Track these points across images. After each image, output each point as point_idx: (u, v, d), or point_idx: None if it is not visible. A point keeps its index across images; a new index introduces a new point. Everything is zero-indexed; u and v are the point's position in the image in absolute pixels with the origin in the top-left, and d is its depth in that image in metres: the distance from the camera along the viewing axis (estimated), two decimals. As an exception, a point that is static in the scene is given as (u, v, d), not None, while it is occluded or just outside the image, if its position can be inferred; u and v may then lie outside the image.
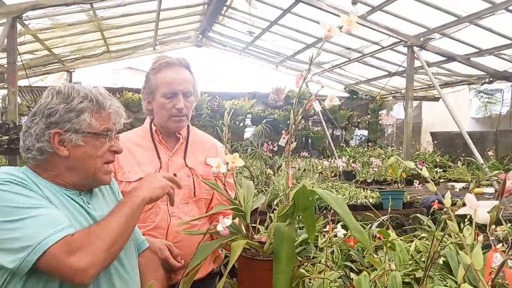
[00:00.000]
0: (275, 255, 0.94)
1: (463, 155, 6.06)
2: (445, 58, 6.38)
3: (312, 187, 1.04)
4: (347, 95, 10.22)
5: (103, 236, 0.96)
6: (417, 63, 6.05)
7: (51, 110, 1.06)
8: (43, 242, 0.91)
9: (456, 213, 0.81)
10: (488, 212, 0.77)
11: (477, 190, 4.36)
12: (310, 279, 1.42)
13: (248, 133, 9.34)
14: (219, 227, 1.00)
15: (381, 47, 6.77)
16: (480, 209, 0.71)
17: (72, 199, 1.10)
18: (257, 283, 1.02)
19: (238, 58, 9.64)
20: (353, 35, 6.45)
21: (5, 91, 8.03)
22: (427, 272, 0.94)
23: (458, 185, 5.06)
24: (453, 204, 0.99)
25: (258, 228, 1.62)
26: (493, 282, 0.72)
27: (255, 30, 7.22)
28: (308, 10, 5.95)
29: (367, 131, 10.49)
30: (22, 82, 6.64)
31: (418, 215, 2.77)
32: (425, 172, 0.81)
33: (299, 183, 1.08)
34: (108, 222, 1.00)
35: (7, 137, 3.70)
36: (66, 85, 1.11)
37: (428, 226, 2.23)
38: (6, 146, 3.69)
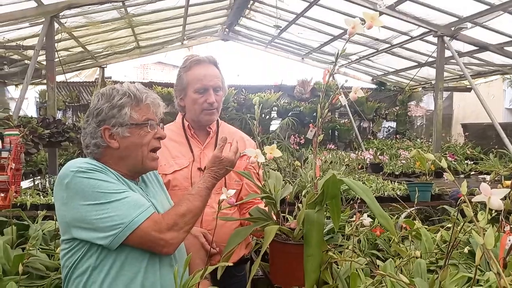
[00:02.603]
0: (305, 239, 1.02)
1: (496, 147, 5.89)
2: (477, 48, 6.19)
3: (344, 178, 1.11)
4: (374, 86, 10.08)
5: (188, 218, 1.19)
6: (447, 53, 5.92)
7: (98, 110, 1.23)
8: (134, 221, 1.10)
9: (472, 200, 0.85)
10: (503, 200, 0.81)
11: (508, 182, 4.26)
12: (337, 264, 1.50)
13: (274, 125, 9.39)
14: (223, 196, 1.10)
15: (410, 37, 6.64)
16: (494, 197, 0.76)
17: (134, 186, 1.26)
18: (289, 265, 1.10)
19: (264, 51, 9.68)
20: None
21: (42, 87, 8.44)
22: (448, 256, 0.98)
23: (490, 178, 4.94)
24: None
25: (287, 217, 1.70)
26: (504, 261, 0.77)
27: (281, 22, 7.23)
28: (334, 1, 5.92)
29: (395, 123, 10.32)
30: (58, 78, 6.95)
31: (446, 206, 2.77)
32: (444, 163, 0.86)
33: (325, 175, 1.15)
34: (191, 206, 1.21)
35: (48, 131, 3.93)
36: (108, 87, 1.27)
37: (456, 218, 2.24)
38: (47, 140, 3.92)
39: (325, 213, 1.10)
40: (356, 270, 1.48)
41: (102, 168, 1.19)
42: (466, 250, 1.63)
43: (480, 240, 0.74)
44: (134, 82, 1.34)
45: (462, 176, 5.10)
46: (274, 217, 1.24)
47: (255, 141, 1.64)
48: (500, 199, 0.75)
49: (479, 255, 0.81)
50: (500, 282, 0.74)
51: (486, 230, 0.74)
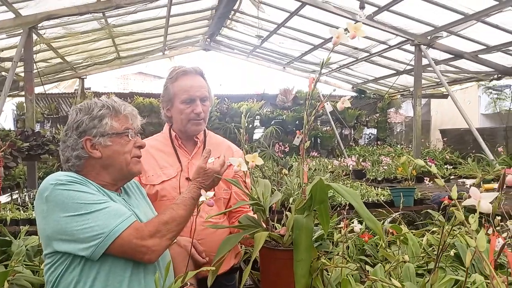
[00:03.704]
0: (295, 245, 1.03)
1: (473, 151, 6.06)
2: (453, 56, 6.40)
3: (331, 183, 1.13)
4: (355, 94, 10.26)
5: (171, 227, 1.19)
6: (424, 61, 6.09)
7: (78, 122, 1.25)
8: (114, 230, 1.11)
9: (462, 204, 0.88)
10: (491, 203, 0.84)
11: (487, 186, 4.38)
12: (328, 271, 1.50)
13: (257, 134, 9.43)
14: (202, 198, 1.11)
15: (388, 46, 6.81)
16: (483, 200, 0.78)
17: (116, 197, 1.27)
18: (279, 271, 1.10)
19: (246, 60, 9.75)
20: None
21: (20, 99, 8.25)
22: (438, 260, 1.01)
23: (469, 182, 5.07)
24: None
25: (275, 225, 1.71)
26: (495, 262, 0.79)
27: (262, 32, 7.31)
28: (314, 12, 6.03)
29: (376, 130, 10.51)
30: (36, 90, 6.81)
31: (429, 211, 2.83)
32: (433, 169, 0.89)
33: (311, 182, 1.16)
34: (177, 216, 1.21)
35: (27, 144, 3.84)
36: (85, 102, 1.32)
37: (439, 221, 2.29)
38: (26, 153, 3.83)
39: (313, 219, 1.12)
40: (347, 276, 1.50)
41: (81, 180, 1.19)
42: (452, 253, 1.67)
43: (472, 242, 0.76)
44: (110, 95, 1.35)
45: (442, 180, 5.21)
46: (264, 224, 1.24)
47: (242, 150, 1.65)
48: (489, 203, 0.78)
49: (469, 258, 0.83)
50: (492, 282, 0.77)
51: (478, 233, 0.76)
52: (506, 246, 0.87)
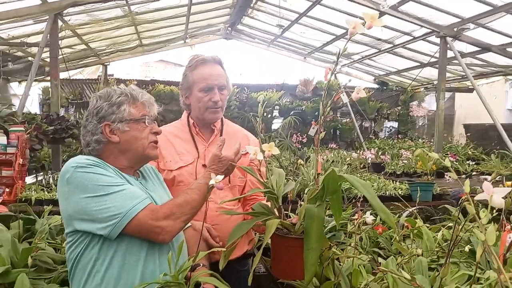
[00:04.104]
0: (306, 233, 1.04)
1: (498, 147, 5.90)
2: (480, 49, 6.20)
3: (344, 174, 1.13)
4: (376, 86, 10.09)
5: (185, 210, 1.24)
6: (450, 54, 5.93)
7: (97, 108, 1.31)
8: (131, 211, 1.16)
9: (475, 198, 0.88)
10: (504, 198, 0.84)
11: (509, 183, 4.28)
12: (340, 261, 1.52)
13: (276, 124, 9.41)
14: (211, 182, 1.13)
15: (412, 37, 6.65)
16: (496, 195, 0.78)
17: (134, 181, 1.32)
18: (290, 259, 1.12)
19: (266, 50, 9.70)
20: (383, 26, 6.37)
21: (45, 84, 8.48)
22: (449, 254, 1.01)
23: (491, 178, 4.96)
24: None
25: (289, 214, 1.73)
26: (504, 257, 0.79)
27: (284, 22, 7.25)
28: (337, 1, 5.93)
29: (397, 123, 10.33)
30: (61, 75, 6.99)
31: (447, 206, 2.79)
32: (447, 162, 0.88)
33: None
34: (192, 200, 1.26)
35: (52, 128, 3.96)
36: (105, 89, 1.38)
37: (457, 216, 2.26)
38: (51, 136, 3.96)
39: (327, 210, 1.13)
40: (358, 267, 1.51)
41: (101, 163, 1.25)
42: (467, 248, 1.65)
43: (481, 236, 0.76)
44: (132, 82, 1.41)
45: (463, 176, 5.11)
46: (276, 212, 1.26)
47: (258, 139, 1.67)
48: (502, 198, 0.78)
49: (479, 252, 0.83)
50: (500, 277, 0.77)
51: (488, 227, 0.76)
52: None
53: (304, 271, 1.06)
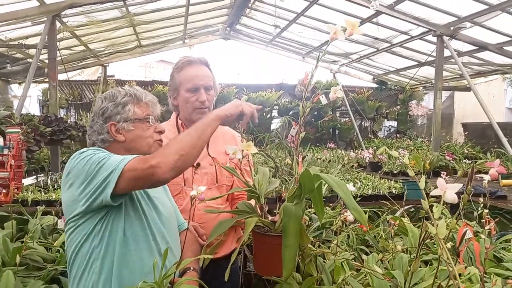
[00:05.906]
0: (283, 231, 1.07)
1: (495, 146, 5.91)
2: (477, 47, 6.22)
3: (320, 173, 1.16)
4: (375, 85, 10.10)
5: (173, 146, 1.17)
6: (447, 53, 5.94)
7: (103, 109, 1.36)
8: (120, 165, 1.15)
9: (430, 194, 0.91)
10: (460, 194, 0.87)
11: (505, 181, 4.29)
12: (324, 258, 1.55)
13: (275, 124, 9.44)
14: (193, 192, 1.13)
15: (410, 36, 6.67)
16: (448, 191, 0.81)
17: None
18: (269, 255, 1.15)
19: (265, 50, 9.72)
20: (380, 25, 6.39)
21: (44, 85, 8.54)
22: (419, 249, 1.04)
23: (487, 177, 4.97)
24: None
25: (275, 212, 1.76)
26: (456, 249, 0.82)
27: (281, 22, 7.27)
28: (334, 0, 5.96)
29: (396, 122, 10.34)
30: (60, 77, 7.04)
31: (436, 204, 2.81)
32: (394, 153, 0.92)
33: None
34: (180, 137, 1.22)
35: (50, 129, 4.00)
36: (110, 90, 1.42)
37: (444, 214, 2.29)
38: (49, 137, 3.99)
39: (304, 207, 1.16)
40: (342, 264, 1.54)
41: (105, 151, 1.27)
42: (449, 245, 1.68)
43: (433, 230, 0.79)
44: (132, 83, 1.44)
45: (456, 175, 5.13)
46: (259, 211, 1.29)
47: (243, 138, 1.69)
48: (455, 193, 0.81)
49: (441, 246, 0.86)
50: (448, 267, 0.80)
51: (439, 221, 0.79)
52: (473, 236, 0.89)
53: (283, 267, 1.09)
